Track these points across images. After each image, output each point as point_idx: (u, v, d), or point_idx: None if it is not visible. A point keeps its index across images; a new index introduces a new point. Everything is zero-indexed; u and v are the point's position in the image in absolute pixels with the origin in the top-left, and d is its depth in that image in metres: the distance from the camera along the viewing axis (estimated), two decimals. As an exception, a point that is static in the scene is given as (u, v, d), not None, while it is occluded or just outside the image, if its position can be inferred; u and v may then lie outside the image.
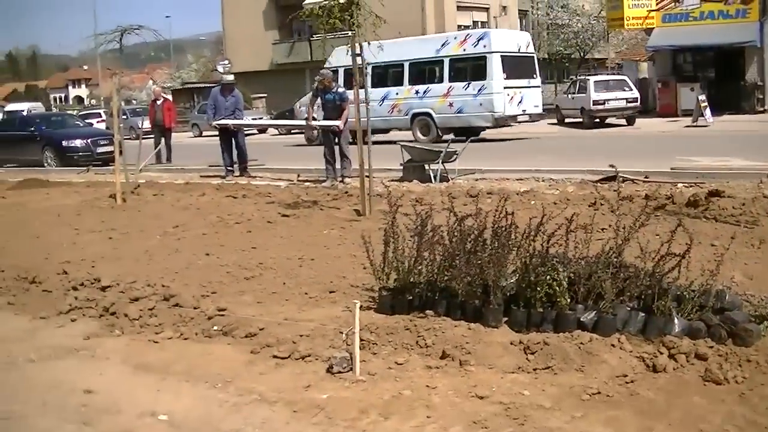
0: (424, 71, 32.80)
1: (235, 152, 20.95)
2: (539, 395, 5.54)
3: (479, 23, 58.59)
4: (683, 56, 44.48)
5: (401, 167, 18.12)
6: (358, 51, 13.31)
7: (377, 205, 13.05)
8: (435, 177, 17.14)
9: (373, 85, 29.69)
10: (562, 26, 62.40)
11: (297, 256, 10.20)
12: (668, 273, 6.62)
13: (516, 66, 31.83)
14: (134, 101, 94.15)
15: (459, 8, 56.13)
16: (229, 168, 20.83)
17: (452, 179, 17.38)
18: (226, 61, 58.95)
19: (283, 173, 20.86)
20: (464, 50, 31.97)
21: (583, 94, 37.49)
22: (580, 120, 37.88)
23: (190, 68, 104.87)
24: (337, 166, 18.28)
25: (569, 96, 40.06)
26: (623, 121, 38.04)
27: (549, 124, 40.88)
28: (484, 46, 31.41)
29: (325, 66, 27.06)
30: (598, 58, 69.06)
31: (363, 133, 13.58)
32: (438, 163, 17.27)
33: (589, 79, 38.82)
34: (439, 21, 54.40)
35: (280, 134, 45.24)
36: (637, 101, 37.91)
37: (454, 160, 17.74)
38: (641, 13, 42.57)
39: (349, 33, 13.52)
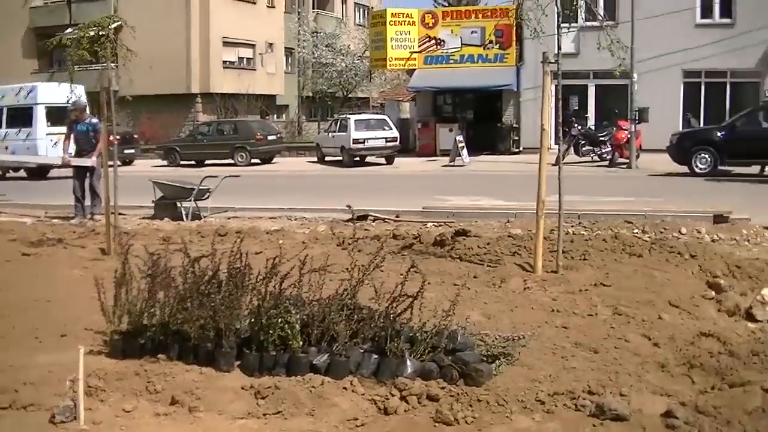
0: None
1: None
2: (267, 441, 5.43)
3: (245, 59, 58.36)
4: (443, 97, 45.58)
5: (153, 204, 17.72)
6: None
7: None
8: (187, 215, 16.88)
9: None
10: (327, 65, 62.85)
11: (32, 298, 9.69)
12: (401, 314, 6.64)
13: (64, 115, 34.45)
14: None
15: (225, 44, 55.52)
16: (-29, 204, 19.91)
17: (204, 217, 17.15)
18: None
19: (30, 209, 19.99)
20: (18, 101, 36.06)
21: (344, 133, 37.73)
22: (340, 158, 38.13)
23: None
24: (87, 203, 17.65)
25: (330, 135, 40.23)
26: (383, 160, 38.48)
27: (309, 162, 41.11)
28: (32, 99, 35.38)
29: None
30: (362, 97, 69.97)
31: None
32: (190, 200, 17.01)
33: (349, 118, 39.04)
34: (204, 56, 53.71)
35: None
36: (396, 140, 38.30)
37: (207, 197, 17.51)
38: (404, 54, 43.35)
39: (98, 66, 13.22)
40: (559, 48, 11.21)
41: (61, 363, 6.98)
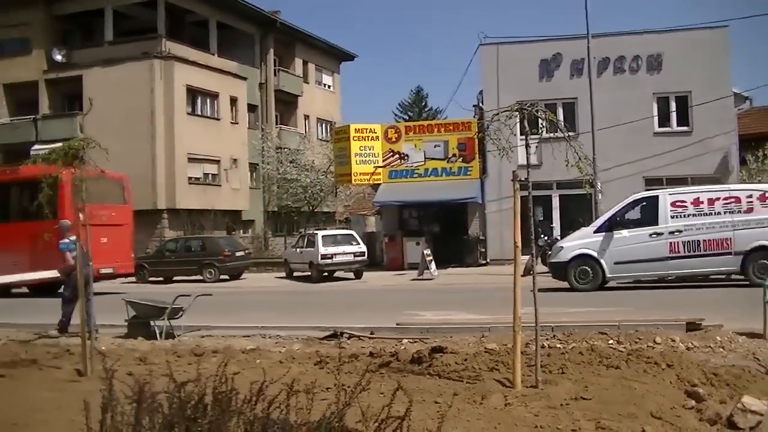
0: None
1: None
2: None
3: (210, 175, 58.43)
4: (409, 211, 45.86)
5: (126, 323, 17.60)
6: None
7: (100, 364, 12.48)
8: (161, 334, 16.78)
9: None
10: (291, 181, 62.79)
11: (9, 422, 9.55)
12: (390, 436, 6.59)
13: None
14: None
15: (190, 160, 55.58)
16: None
17: (178, 336, 17.03)
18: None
19: (4, 328, 19.69)
20: None
21: (312, 249, 37.63)
22: (309, 274, 38.02)
23: None
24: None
25: (298, 250, 40.11)
26: (351, 275, 38.56)
27: (277, 278, 41.00)
28: None
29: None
30: (327, 212, 70.06)
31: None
32: (164, 319, 16.92)
33: (317, 234, 38.99)
34: (170, 172, 53.60)
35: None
36: (364, 255, 38.36)
37: (180, 316, 17.41)
38: (368, 170, 43.68)
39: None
40: (528, 164, 11.27)
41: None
